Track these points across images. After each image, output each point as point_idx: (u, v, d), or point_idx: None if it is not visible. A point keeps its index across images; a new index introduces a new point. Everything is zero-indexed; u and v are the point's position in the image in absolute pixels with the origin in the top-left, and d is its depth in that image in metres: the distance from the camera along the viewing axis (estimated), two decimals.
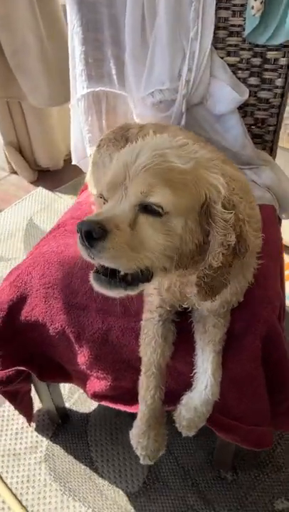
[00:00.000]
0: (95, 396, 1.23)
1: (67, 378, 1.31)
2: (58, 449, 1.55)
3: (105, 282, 0.76)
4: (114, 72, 1.38)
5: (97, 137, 1.47)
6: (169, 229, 0.74)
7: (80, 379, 1.26)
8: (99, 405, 1.66)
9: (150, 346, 1.03)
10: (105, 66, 1.38)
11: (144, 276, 0.77)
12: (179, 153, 0.76)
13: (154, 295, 1.00)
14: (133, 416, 1.52)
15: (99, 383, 1.20)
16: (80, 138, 1.53)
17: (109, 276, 0.76)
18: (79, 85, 1.41)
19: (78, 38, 1.33)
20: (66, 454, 1.54)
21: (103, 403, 1.25)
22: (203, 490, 1.43)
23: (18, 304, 1.18)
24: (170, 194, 0.72)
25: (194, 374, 1.05)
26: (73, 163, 1.62)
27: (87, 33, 1.33)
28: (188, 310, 1.03)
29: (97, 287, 0.78)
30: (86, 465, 1.51)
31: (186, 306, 1.00)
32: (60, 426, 1.60)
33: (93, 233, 0.70)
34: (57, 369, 1.28)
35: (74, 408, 1.66)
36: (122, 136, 1.25)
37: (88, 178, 1.32)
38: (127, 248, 0.72)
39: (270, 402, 1.14)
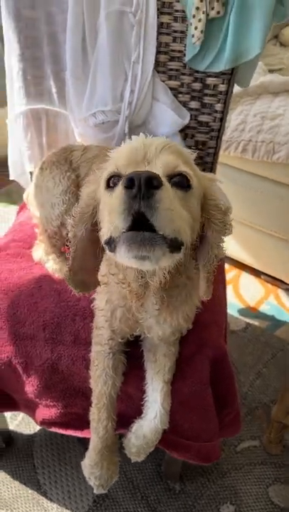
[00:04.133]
0: (44, 423, 1.21)
1: (14, 407, 1.27)
2: (2, 475, 1.50)
3: (149, 239, 0.64)
4: (54, 90, 1.34)
5: (37, 154, 1.43)
6: (190, 206, 0.72)
7: (28, 407, 1.23)
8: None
9: (101, 378, 1.03)
10: (45, 83, 1.34)
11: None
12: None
13: (104, 328, 1.00)
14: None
15: (48, 411, 1.18)
16: (19, 153, 1.48)
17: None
18: (17, 102, 1.36)
19: (16, 54, 1.28)
20: (12, 479, 1.50)
21: (52, 429, 1.23)
22: (152, 503, 1.46)
23: None
24: (192, 174, 0.72)
25: (144, 401, 1.07)
26: (11, 178, 1.56)
27: (25, 49, 1.28)
28: (140, 339, 1.04)
29: (134, 250, 0.65)
30: (33, 489, 1.48)
31: (137, 333, 1.00)
32: (4, 450, 1.55)
33: (154, 181, 0.63)
34: (3, 398, 1.24)
35: (18, 430, 1.62)
36: (65, 158, 1.22)
37: (30, 200, 1.28)
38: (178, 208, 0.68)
39: (217, 417, 1.19)
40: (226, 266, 2.30)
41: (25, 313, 1.11)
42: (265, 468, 1.57)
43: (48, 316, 1.11)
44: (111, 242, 0.68)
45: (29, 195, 1.29)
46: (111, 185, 0.72)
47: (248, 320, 2.06)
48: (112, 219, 0.66)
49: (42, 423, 1.21)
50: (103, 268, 0.90)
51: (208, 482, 1.52)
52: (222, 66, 1.21)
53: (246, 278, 2.27)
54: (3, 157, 2.51)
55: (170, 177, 0.71)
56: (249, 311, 2.11)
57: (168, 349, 1.03)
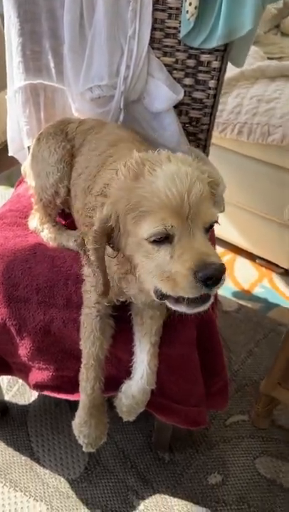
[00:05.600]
0: (37, 386, 1.25)
1: (8, 371, 1.31)
2: None
3: (205, 299, 0.82)
4: (52, 65, 1.38)
5: (35, 129, 1.47)
6: None
7: (21, 371, 1.27)
8: (38, 396, 1.67)
9: (89, 340, 1.07)
10: (43, 59, 1.37)
11: None
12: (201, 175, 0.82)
13: (91, 292, 1.04)
14: (72, 405, 1.55)
15: (41, 374, 1.22)
16: (17, 129, 1.51)
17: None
18: (16, 77, 1.40)
19: (15, 30, 1.31)
20: (6, 446, 1.54)
21: (45, 393, 1.28)
22: (142, 471, 1.50)
23: None
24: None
25: (132, 363, 1.11)
26: (10, 154, 1.60)
27: (25, 24, 1.31)
28: (127, 303, 1.08)
29: (193, 307, 0.83)
30: (27, 456, 1.52)
31: (122, 300, 1.04)
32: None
33: (222, 276, 0.77)
34: None
35: (13, 400, 1.66)
36: (61, 130, 1.26)
37: (27, 171, 1.32)
38: None
39: (204, 384, 1.23)
40: (222, 250, 2.34)
41: (20, 277, 1.15)
42: (252, 442, 1.60)
43: (41, 280, 1.14)
44: (164, 296, 0.83)
45: (26, 166, 1.32)
46: (157, 240, 0.78)
47: (241, 302, 2.10)
48: (171, 285, 0.79)
49: (35, 386, 1.26)
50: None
51: (197, 453, 1.56)
52: (215, 42, 1.24)
53: (241, 262, 2.30)
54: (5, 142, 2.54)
55: (207, 229, 0.81)
56: (243, 294, 2.14)
57: (154, 312, 1.06)
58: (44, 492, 1.44)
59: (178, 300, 0.82)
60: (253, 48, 2.30)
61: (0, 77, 2.14)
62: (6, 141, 2.76)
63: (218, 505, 1.44)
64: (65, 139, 1.24)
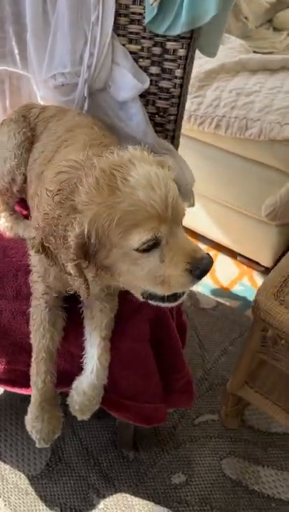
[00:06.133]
0: None
1: None
2: None
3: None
4: (16, 51, 1.35)
5: (1, 117, 1.44)
6: None
7: None
8: (4, 391, 1.65)
9: (39, 332, 1.04)
10: (7, 45, 1.34)
11: None
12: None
13: (38, 282, 1.01)
14: None
15: None
16: None
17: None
18: None
19: None
20: None
21: (1, 387, 1.25)
22: (104, 469, 1.47)
23: None
24: None
25: (83, 358, 1.08)
26: None
27: None
28: (77, 294, 1.04)
29: (185, 294, 0.88)
30: None
31: (71, 292, 1.01)
32: None
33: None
34: None
35: None
36: (23, 116, 1.24)
37: None
38: None
39: (164, 381, 1.20)
40: (204, 246, 2.30)
41: None
42: (220, 442, 1.57)
43: None
44: (152, 296, 0.87)
45: None
46: (146, 248, 0.79)
47: (219, 299, 2.06)
48: (166, 287, 0.82)
49: None
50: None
51: (162, 452, 1.53)
52: (179, 29, 1.20)
53: (222, 259, 2.27)
54: None
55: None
56: (221, 291, 2.10)
57: (103, 305, 1.03)
58: (3, 488, 1.41)
59: (162, 297, 0.86)
60: (238, 41, 2.26)
61: None
62: None
63: (180, 506, 1.41)
64: (26, 125, 1.21)
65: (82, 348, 1.09)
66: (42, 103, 1.41)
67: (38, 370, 1.06)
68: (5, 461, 1.47)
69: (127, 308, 1.08)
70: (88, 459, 1.50)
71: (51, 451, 1.51)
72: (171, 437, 1.57)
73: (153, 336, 1.11)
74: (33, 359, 1.08)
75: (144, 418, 1.19)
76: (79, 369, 1.11)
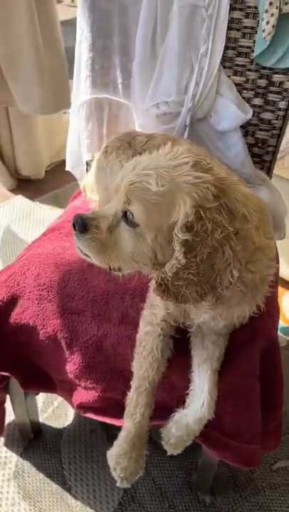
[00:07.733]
0: (81, 407, 1.17)
1: (51, 388, 1.24)
2: (28, 466, 1.46)
3: None
4: (120, 80, 1.38)
5: (96, 144, 1.46)
6: (140, 239, 0.82)
7: (66, 389, 1.20)
8: (73, 421, 1.59)
9: (147, 360, 1.00)
10: (111, 74, 1.38)
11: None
12: (163, 174, 0.80)
13: (159, 307, 0.98)
14: (109, 433, 1.46)
15: (86, 394, 1.15)
16: (77, 144, 1.51)
17: None
18: (82, 91, 1.40)
19: (87, 44, 1.33)
20: (37, 471, 1.45)
21: (88, 415, 1.19)
22: None
23: (8, 305, 1.12)
24: (142, 211, 0.80)
25: (189, 390, 1.02)
26: (67, 169, 1.59)
27: (97, 39, 1.32)
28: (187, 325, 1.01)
29: None
30: (58, 484, 1.43)
31: (188, 323, 0.98)
32: (32, 441, 1.52)
33: (76, 225, 0.86)
34: (41, 377, 1.21)
35: (47, 423, 1.58)
36: (128, 143, 1.23)
37: (89, 185, 1.29)
38: (100, 245, 0.86)
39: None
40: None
41: (75, 288, 1.10)
42: None
43: (97, 293, 1.09)
44: None
45: (89, 179, 1.30)
46: None
47: None
48: None
49: (78, 407, 1.18)
50: None
51: (241, 498, 1.43)
52: None
53: None
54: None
55: (124, 212, 0.84)
56: None
57: (217, 338, 0.99)
58: None
59: None
60: None
61: (54, 100, 2.20)
62: (56, 162, 2.80)
63: None
64: (134, 153, 1.20)
65: (184, 380, 1.04)
66: (140, 131, 1.42)
67: (139, 402, 1.01)
68: (76, 497, 1.40)
69: (238, 338, 1.03)
70: (162, 500, 1.41)
71: (123, 489, 1.42)
72: (249, 483, 1.47)
73: (261, 368, 1.06)
74: (132, 389, 1.03)
75: (243, 459, 1.11)
76: (176, 402, 1.06)
